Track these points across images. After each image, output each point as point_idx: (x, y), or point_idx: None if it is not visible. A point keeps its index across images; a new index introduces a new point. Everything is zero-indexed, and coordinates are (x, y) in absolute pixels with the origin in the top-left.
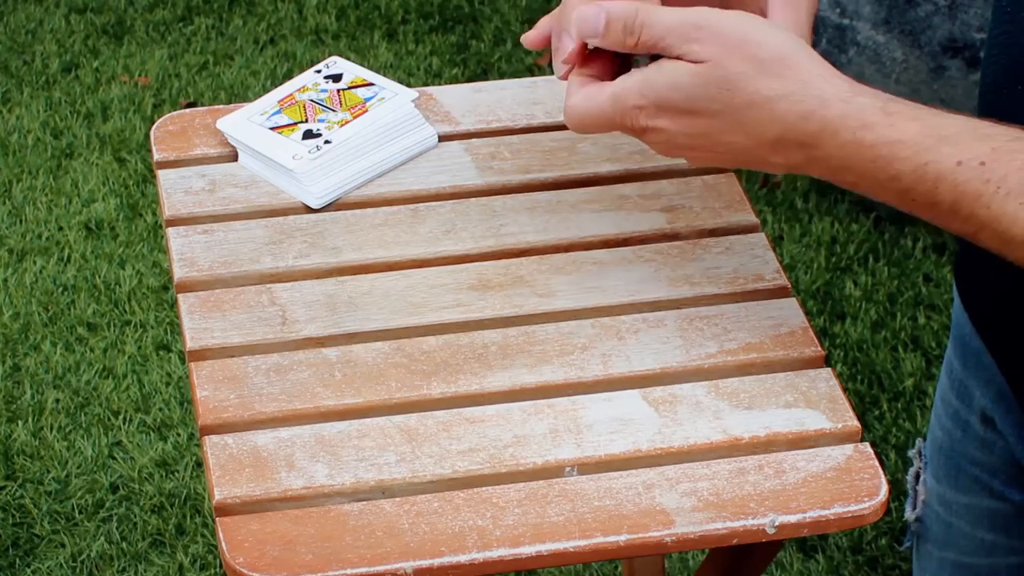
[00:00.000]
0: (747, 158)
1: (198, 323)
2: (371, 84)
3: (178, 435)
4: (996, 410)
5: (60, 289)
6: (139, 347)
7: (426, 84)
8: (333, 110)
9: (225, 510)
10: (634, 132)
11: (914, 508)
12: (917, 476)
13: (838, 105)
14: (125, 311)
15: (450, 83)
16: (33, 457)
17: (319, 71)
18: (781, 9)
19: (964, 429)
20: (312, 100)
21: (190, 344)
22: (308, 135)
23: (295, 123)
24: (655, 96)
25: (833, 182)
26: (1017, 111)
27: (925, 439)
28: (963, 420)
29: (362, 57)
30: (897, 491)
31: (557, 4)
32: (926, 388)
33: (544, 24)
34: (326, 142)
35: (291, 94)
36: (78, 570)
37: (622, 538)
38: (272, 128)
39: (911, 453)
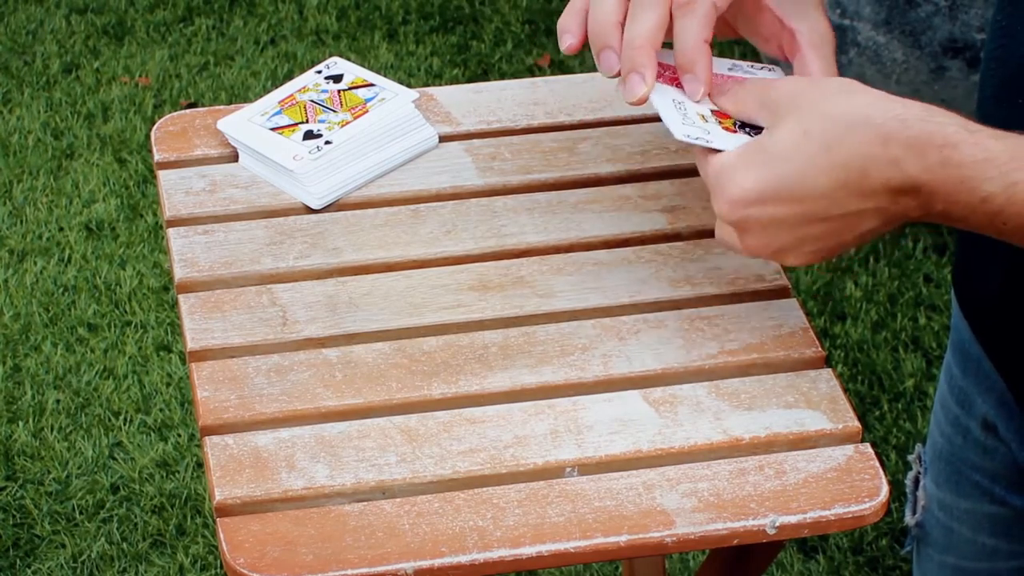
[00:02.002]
0: (836, 216)
1: (199, 323)
2: (372, 85)
3: (178, 436)
4: (998, 416)
5: (61, 290)
6: (139, 348)
7: (426, 85)
8: (334, 111)
9: (226, 510)
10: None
11: (914, 513)
12: (916, 481)
13: (919, 124)
14: (125, 312)
15: (450, 83)
16: (34, 458)
17: (319, 72)
18: (813, 59)
19: (965, 435)
20: (313, 101)
21: (191, 345)
22: (309, 136)
23: (296, 124)
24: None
25: (924, 219)
26: (1015, 124)
27: (924, 444)
28: (963, 426)
29: (362, 58)
30: (897, 492)
31: (556, 4)
32: (926, 389)
33: (571, 24)
34: (327, 143)
35: (291, 95)
36: (78, 571)
37: (622, 538)
38: (273, 129)
39: (910, 458)
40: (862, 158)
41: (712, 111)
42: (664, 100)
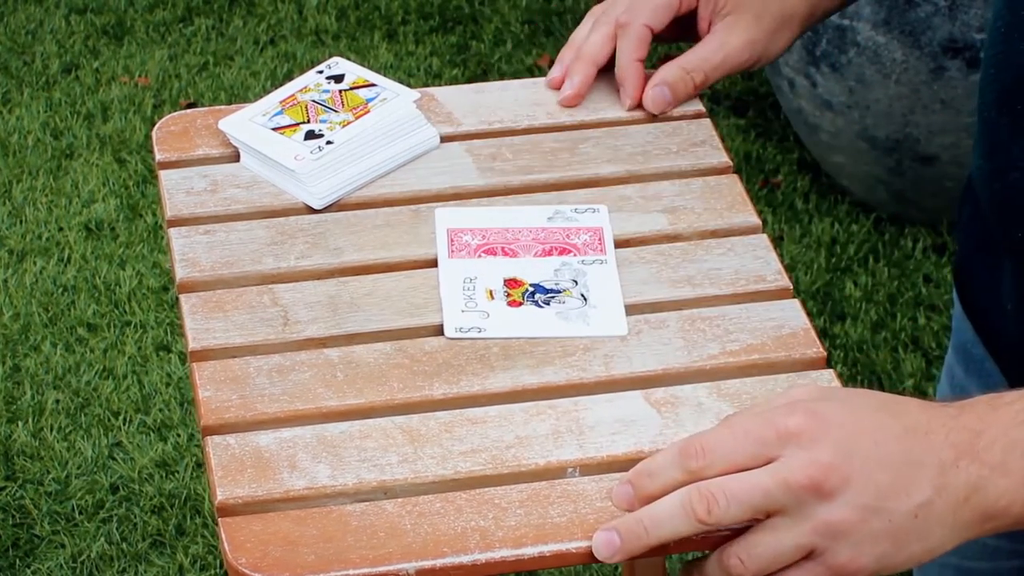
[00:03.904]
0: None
1: (200, 324)
2: (373, 84)
3: (178, 436)
4: None
5: (60, 290)
6: (139, 348)
7: (426, 85)
8: (335, 110)
9: (227, 510)
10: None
11: None
12: None
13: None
14: (125, 312)
15: (450, 84)
16: (33, 458)
17: (320, 72)
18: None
19: None
20: (314, 101)
21: (192, 344)
22: (310, 135)
23: (297, 124)
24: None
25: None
26: (1017, 129)
27: None
28: None
29: (362, 58)
30: None
31: (556, 4)
32: (926, 389)
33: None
34: (328, 142)
35: (293, 95)
36: (78, 571)
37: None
38: (274, 129)
39: None
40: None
41: (505, 279)
42: (454, 278)
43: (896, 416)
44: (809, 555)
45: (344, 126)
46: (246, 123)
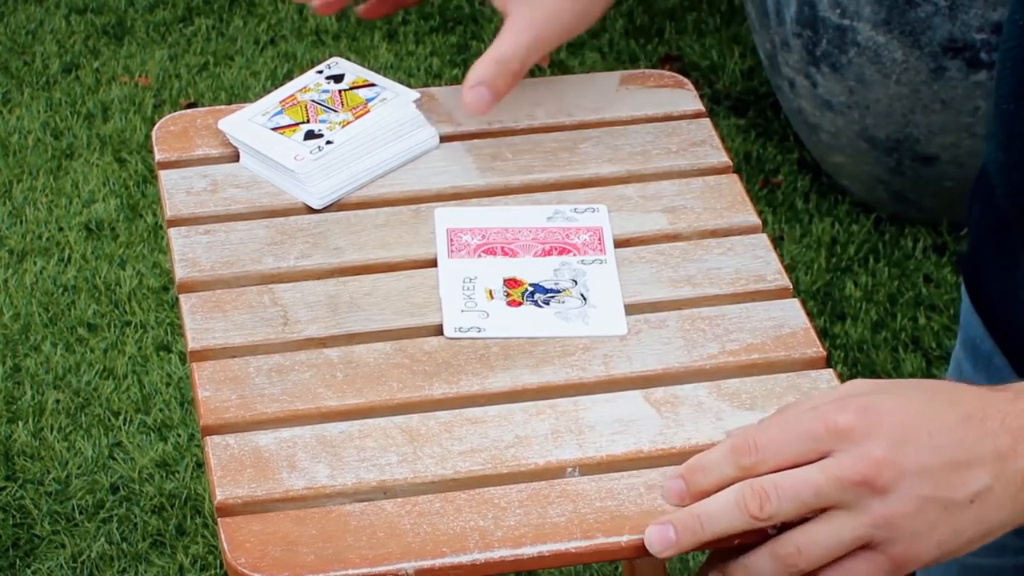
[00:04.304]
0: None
1: (200, 323)
2: (373, 84)
3: (178, 436)
4: None
5: (60, 290)
6: (139, 348)
7: (426, 85)
8: (335, 110)
9: (227, 510)
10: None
11: None
12: None
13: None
14: (125, 312)
15: (450, 84)
16: (33, 458)
17: (320, 71)
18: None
19: None
20: (314, 100)
21: (192, 344)
22: (310, 135)
23: (297, 123)
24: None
25: None
26: None
27: None
28: None
29: (362, 58)
30: None
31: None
32: None
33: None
34: (328, 142)
35: (292, 94)
36: (78, 571)
37: (623, 539)
38: (274, 128)
39: None
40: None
41: (504, 279)
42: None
43: (951, 404)
44: (867, 545)
45: (344, 126)
46: (246, 123)
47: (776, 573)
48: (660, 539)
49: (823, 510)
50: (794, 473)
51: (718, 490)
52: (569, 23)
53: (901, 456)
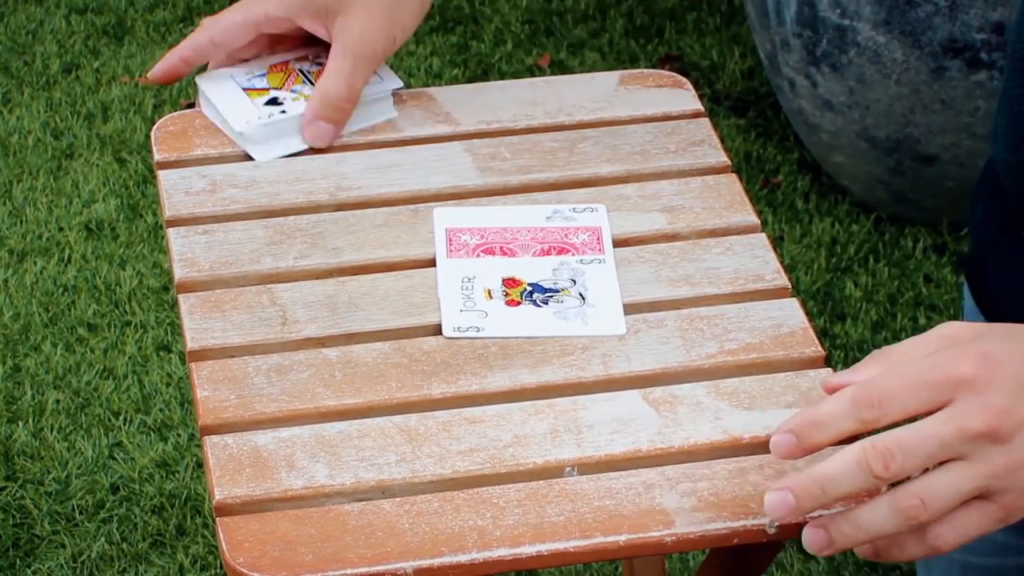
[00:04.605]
0: None
1: (198, 323)
2: None
3: (178, 436)
4: None
5: (60, 290)
6: (139, 348)
7: (426, 84)
8: (311, 84)
9: (225, 510)
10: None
11: None
12: None
13: None
14: (125, 312)
15: (450, 83)
16: (33, 458)
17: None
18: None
19: None
20: (300, 70)
21: (190, 344)
22: (271, 102)
23: (268, 88)
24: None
25: None
26: None
27: None
28: None
29: None
30: None
31: (556, 3)
32: None
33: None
34: (282, 112)
35: (287, 61)
36: (78, 571)
37: (622, 538)
38: (245, 89)
39: None
40: None
41: (503, 279)
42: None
43: None
44: (981, 495)
45: (305, 99)
46: (224, 78)
47: (897, 526)
48: (780, 505)
49: (944, 463)
50: (916, 428)
51: (833, 444)
52: (382, 37)
53: (1021, 406)
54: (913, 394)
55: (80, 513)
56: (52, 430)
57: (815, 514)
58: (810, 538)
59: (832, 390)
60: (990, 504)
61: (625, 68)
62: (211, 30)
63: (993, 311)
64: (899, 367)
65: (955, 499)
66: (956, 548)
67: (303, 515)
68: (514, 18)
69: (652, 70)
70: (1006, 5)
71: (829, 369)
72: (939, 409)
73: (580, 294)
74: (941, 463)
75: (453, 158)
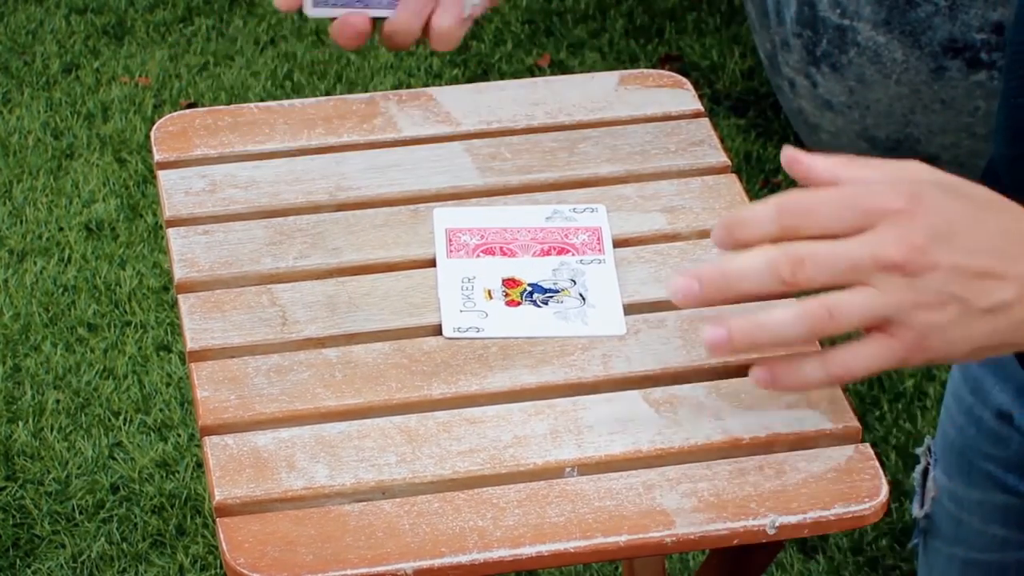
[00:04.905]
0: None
1: (198, 324)
2: None
3: (178, 436)
4: (1014, 405)
5: (60, 290)
6: (139, 348)
7: (426, 85)
8: None
9: (225, 511)
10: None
11: (922, 505)
12: (925, 473)
13: None
14: (125, 312)
15: (450, 83)
16: (33, 458)
17: None
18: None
19: (978, 425)
20: None
21: (190, 345)
22: None
23: None
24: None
25: None
26: None
27: (934, 437)
28: (977, 416)
29: (362, 58)
30: (897, 492)
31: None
32: (927, 389)
33: None
34: None
35: None
36: (78, 571)
37: (622, 538)
38: None
39: (919, 451)
40: None
41: (503, 279)
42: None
43: (999, 213)
44: (881, 328)
45: None
46: None
47: (799, 333)
48: (684, 290)
49: (851, 286)
50: (832, 244)
51: (755, 244)
52: None
53: (938, 250)
54: (837, 213)
55: (80, 513)
56: (52, 430)
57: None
58: (710, 334)
59: (792, 160)
60: (891, 339)
61: (625, 68)
62: None
63: None
64: (839, 186)
65: (860, 319)
66: (852, 380)
67: (303, 516)
68: (514, 18)
69: (652, 70)
70: (1006, 5)
71: None
72: (861, 233)
73: (580, 294)
74: (852, 286)
75: (453, 158)
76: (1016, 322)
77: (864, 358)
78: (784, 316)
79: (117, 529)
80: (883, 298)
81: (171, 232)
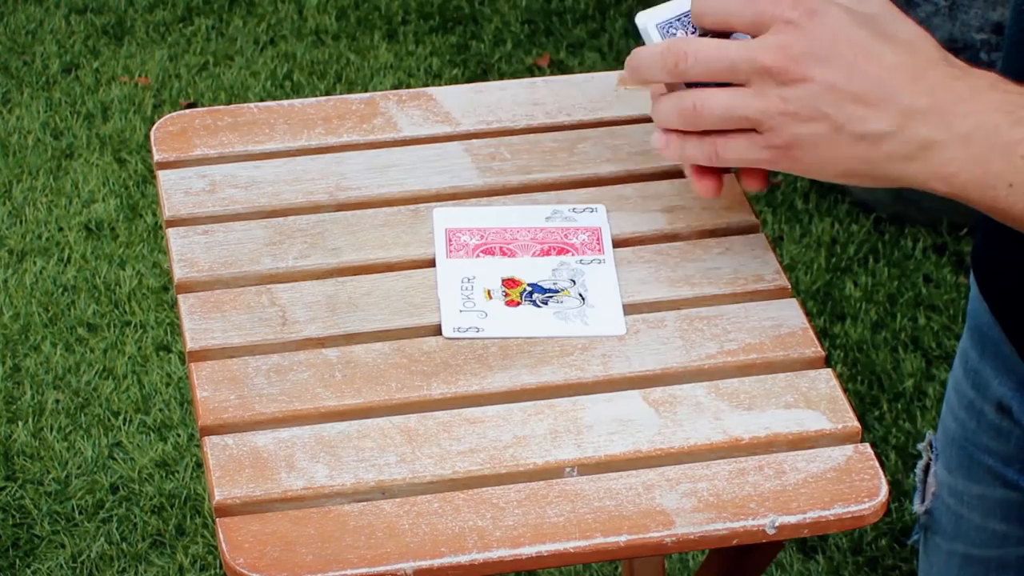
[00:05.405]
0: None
1: (198, 324)
2: None
3: (178, 436)
4: (1014, 399)
5: (60, 290)
6: (139, 348)
7: (426, 85)
8: None
9: (225, 511)
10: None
11: (923, 501)
12: (927, 469)
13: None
14: (125, 312)
15: (450, 83)
16: (33, 458)
17: None
18: None
19: (978, 419)
20: None
21: (190, 345)
22: None
23: None
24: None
25: (959, 191)
26: None
27: (935, 433)
28: (977, 410)
29: (362, 58)
30: (897, 492)
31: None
32: (926, 389)
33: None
34: None
35: None
36: (78, 571)
37: (622, 539)
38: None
39: (920, 446)
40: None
41: (503, 279)
42: (452, 278)
43: (898, 47)
44: (755, 128)
45: None
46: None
47: (671, 120)
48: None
49: (731, 84)
50: (720, 43)
51: (648, 85)
52: None
53: (815, 65)
54: (737, 9)
55: (80, 513)
56: (52, 430)
57: None
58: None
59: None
60: (759, 136)
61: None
62: None
63: (997, 301)
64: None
65: (726, 114)
66: (729, 164)
67: (303, 516)
68: (514, 18)
69: None
70: (1006, 5)
71: (829, 370)
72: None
73: (580, 294)
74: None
75: (453, 158)
76: (889, 154)
77: (733, 148)
78: (665, 101)
79: (117, 529)
80: (752, 100)
81: (171, 232)
